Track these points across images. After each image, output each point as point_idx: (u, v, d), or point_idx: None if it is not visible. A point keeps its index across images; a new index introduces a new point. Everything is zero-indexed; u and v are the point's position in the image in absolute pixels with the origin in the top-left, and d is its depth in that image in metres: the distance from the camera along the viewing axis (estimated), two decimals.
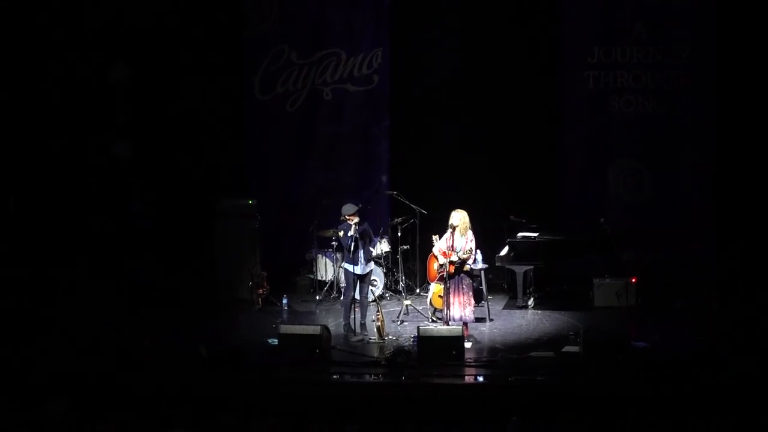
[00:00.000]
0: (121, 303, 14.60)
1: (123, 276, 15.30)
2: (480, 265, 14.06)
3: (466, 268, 13.02)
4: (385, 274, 15.23)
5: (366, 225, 13.36)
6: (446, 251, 12.95)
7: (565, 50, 16.17)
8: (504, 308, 14.75)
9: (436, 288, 13.68)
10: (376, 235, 14.15)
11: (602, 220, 14.77)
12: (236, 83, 16.65)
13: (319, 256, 15.58)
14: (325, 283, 15.49)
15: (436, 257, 13.38)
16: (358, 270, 13.28)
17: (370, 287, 13.96)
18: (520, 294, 14.65)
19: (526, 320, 14.09)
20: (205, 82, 16.18)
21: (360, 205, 13.42)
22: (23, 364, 11.87)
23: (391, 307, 14.60)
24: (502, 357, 12.16)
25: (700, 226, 15.78)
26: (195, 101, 16.15)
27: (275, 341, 12.69)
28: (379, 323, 13.03)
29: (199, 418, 9.98)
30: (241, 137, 16.72)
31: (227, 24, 16.40)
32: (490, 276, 14.86)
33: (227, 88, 16.52)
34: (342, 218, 13.28)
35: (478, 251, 13.67)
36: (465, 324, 12.85)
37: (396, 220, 15.28)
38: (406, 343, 12.72)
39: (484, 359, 12.20)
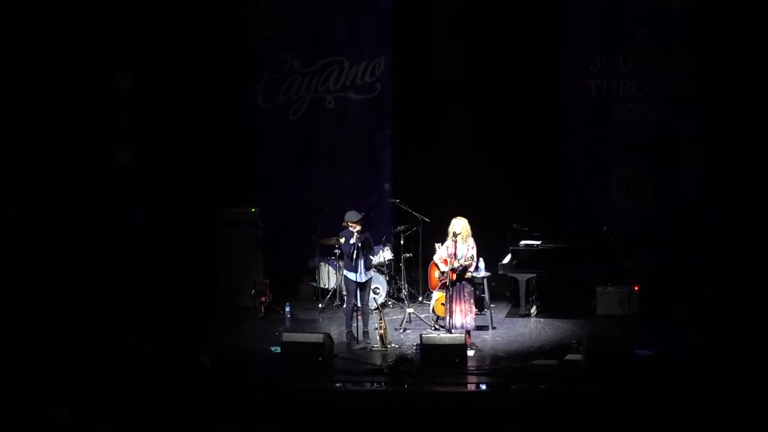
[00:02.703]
0: (124, 310, 14.58)
1: (126, 283, 15.30)
2: (483, 273, 14.06)
3: (468, 275, 13.02)
4: (388, 282, 15.22)
5: (368, 234, 13.35)
6: (447, 259, 12.95)
7: (568, 57, 16.20)
8: (507, 316, 14.75)
9: (439, 296, 13.67)
10: (378, 243, 14.14)
11: (605, 228, 14.78)
12: (240, 90, 16.68)
13: (322, 263, 15.59)
14: (327, 290, 15.49)
15: (436, 265, 13.39)
16: (358, 278, 13.28)
17: (373, 295, 13.97)
18: (522, 302, 14.63)
19: (528, 328, 14.08)
20: (208, 89, 16.20)
21: (363, 213, 13.44)
22: (25, 369, 11.87)
23: (394, 315, 14.59)
24: (505, 365, 12.16)
25: (702, 232, 15.81)
26: (198, 108, 16.16)
27: (278, 349, 12.70)
28: (382, 331, 13.03)
29: (201, 425, 9.98)
30: (245, 144, 16.74)
31: (230, 31, 16.42)
32: (493, 284, 14.87)
33: (231, 95, 16.54)
34: (345, 224, 13.29)
35: (481, 259, 13.66)
36: (468, 332, 12.85)
37: (399, 228, 15.28)
38: (409, 351, 12.72)
39: (487, 367, 12.20)
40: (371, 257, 13.48)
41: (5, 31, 15.36)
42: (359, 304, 13.36)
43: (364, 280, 13.35)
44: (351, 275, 13.31)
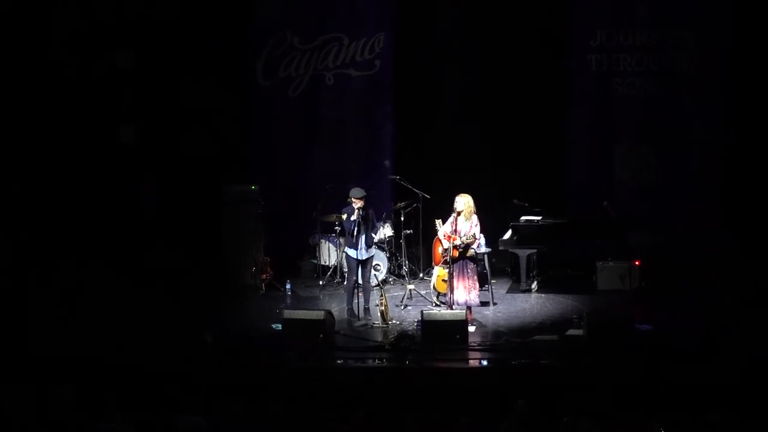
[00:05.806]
0: (127, 289, 14.59)
1: (129, 261, 15.30)
2: (483, 249, 14.04)
3: (470, 252, 13.01)
4: (389, 259, 15.22)
5: (370, 210, 13.34)
6: (451, 235, 12.94)
7: (568, 32, 16.15)
8: (507, 292, 14.75)
9: (440, 272, 13.67)
10: (379, 220, 14.13)
11: (605, 203, 14.78)
12: (240, 67, 16.64)
13: (323, 240, 15.59)
14: (328, 267, 15.49)
15: (440, 241, 13.36)
16: (359, 255, 13.27)
17: (374, 272, 13.97)
18: (523, 277, 14.63)
19: (529, 304, 14.10)
20: (210, 68, 16.16)
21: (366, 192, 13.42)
22: (31, 351, 11.88)
23: (395, 292, 14.60)
24: (506, 341, 12.16)
25: (706, 209, 15.79)
26: (200, 87, 16.12)
27: (279, 326, 12.71)
28: (383, 308, 13.04)
29: (205, 404, 9.99)
30: (245, 121, 16.72)
31: (232, 8, 16.36)
32: (494, 260, 14.88)
33: (232, 73, 16.50)
34: (348, 200, 13.26)
35: (482, 235, 13.65)
36: (469, 308, 12.86)
37: (399, 204, 15.26)
38: (410, 328, 12.74)
39: (488, 343, 12.21)
40: (372, 235, 13.45)
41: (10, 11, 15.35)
42: (360, 281, 13.36)
43: (364, 258, 13.34)
44: (352, 252, 13.30)
